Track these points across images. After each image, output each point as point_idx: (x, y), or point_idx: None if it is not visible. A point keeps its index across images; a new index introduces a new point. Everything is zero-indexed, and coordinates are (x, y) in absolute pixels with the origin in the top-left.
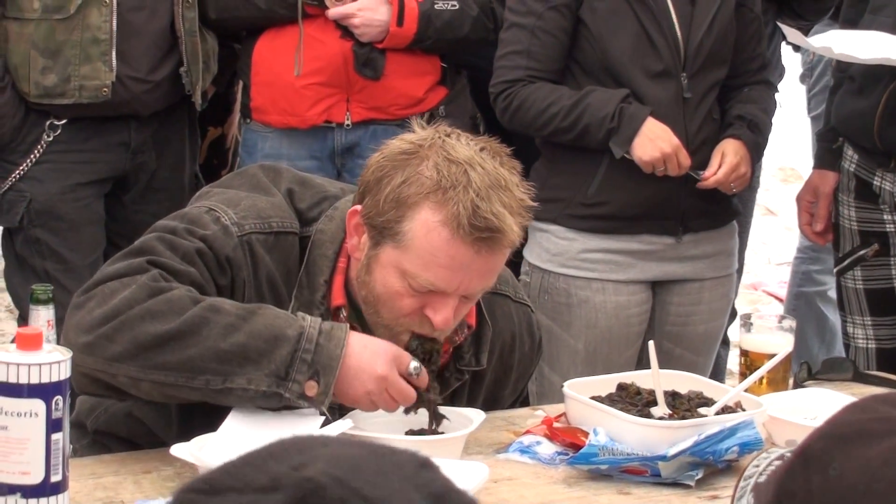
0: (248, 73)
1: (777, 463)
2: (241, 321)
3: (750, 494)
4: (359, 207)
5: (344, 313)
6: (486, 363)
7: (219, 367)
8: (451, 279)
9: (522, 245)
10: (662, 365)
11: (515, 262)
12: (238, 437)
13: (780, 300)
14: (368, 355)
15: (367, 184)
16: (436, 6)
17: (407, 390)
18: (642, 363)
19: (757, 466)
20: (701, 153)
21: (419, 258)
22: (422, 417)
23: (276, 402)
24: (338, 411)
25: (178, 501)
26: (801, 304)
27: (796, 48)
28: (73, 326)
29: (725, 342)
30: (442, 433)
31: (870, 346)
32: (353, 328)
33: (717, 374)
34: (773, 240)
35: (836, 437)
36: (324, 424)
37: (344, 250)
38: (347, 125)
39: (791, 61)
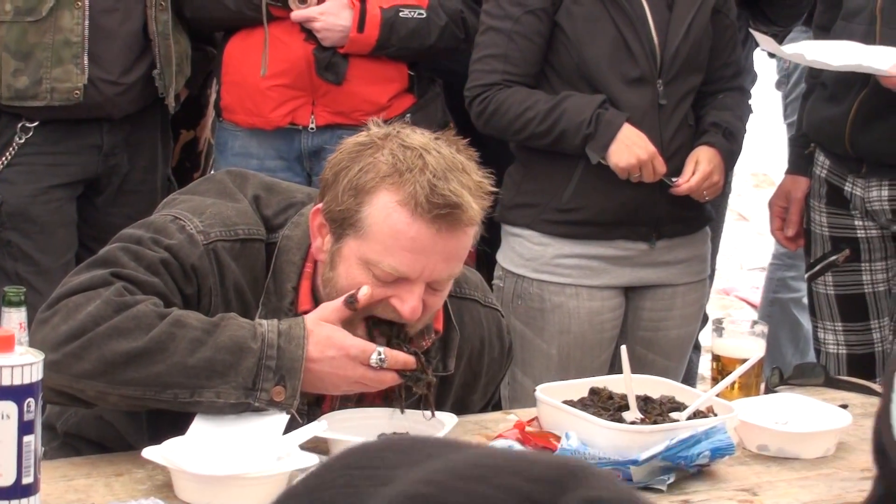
0: (220, 73)
1: None
2: (206, 335)
3: None
4: (320, 206)
5: None
6: (453, 368)
7: (186, 382)
8: (414, 263)
9: (493, 247)
10: (635, 370)
11: (488, 266)
12: (207, 438)
13: (753, 305)
14: (333, 352)
15: (325, 181)
16: (401, 14)
17: (382, 380)
18: (615, 368)
19: None
20: (675, 159)
21: (380, 243)
22: (397, 421)
23: (246, 409)
24: (306, 414)
25: None
26: (775, 310)
27: (771, 54)
28: (39, 343)
29: (697, 347)
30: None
31: (840, 351)
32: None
33: (689, 378)
34: (746, 245)
35: None
36: (291, 421)
37: (311, 256)
38: (312, 128)
39: (766, 68)
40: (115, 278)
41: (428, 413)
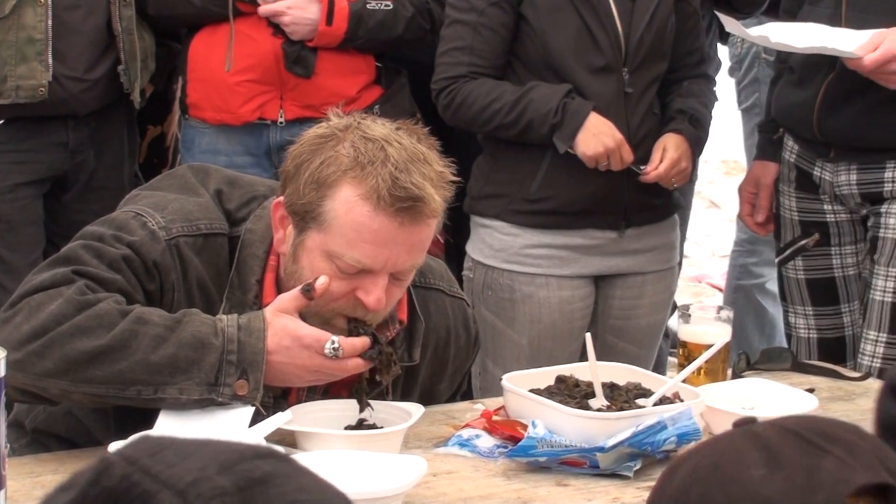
0: (185, 70)
1: None
2: (168, 332)
3: None
4: (281, 198)
5: None
6: (418, 358)
7: (150, 378)
8: (377, 255)
9: (460, 237)
10: (606, 359)
11: (458, 258)
12: (172, 432)
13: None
14: (288, 342)
15: (286, 173)
16: (368, 6)
17: (342, 368)
18: (585, 357)
19: None
20: (643, 147)
21: (343, 236)
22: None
23: (210, 405)
24: (272, 407)
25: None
26: (739, 297)
27: (724, 40)
28: (1, 342)
29: (666, 334)
30: (381, 428)
31: (811, 335)
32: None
33: (659, 365)
34: (717, 232)
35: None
36: (256, 414)
37: (274, 248)
38: (281, 122)
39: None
40: (77, 276)
41: (390, 405)
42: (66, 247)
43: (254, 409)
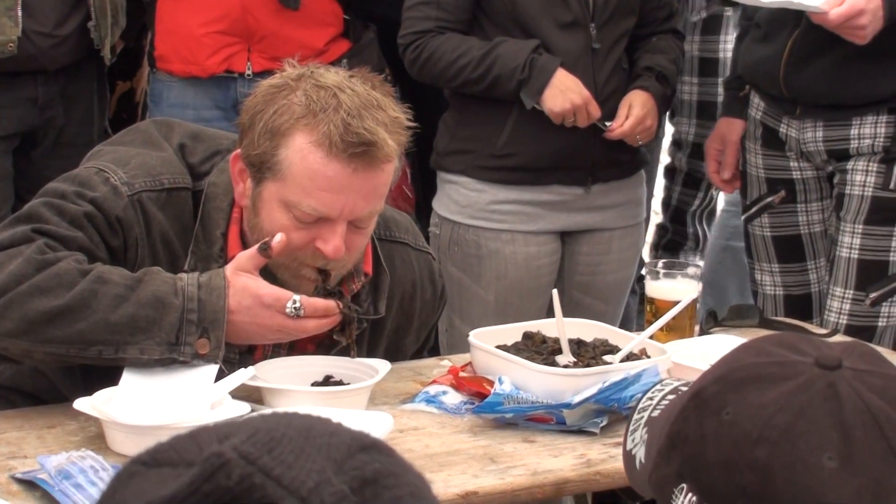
0: (153, 22)
1: (671, 397)
2: (128, 291)
3: (644, 429)
4: (238, 151)
5: None
6: (384, 310)
7: (110, 338)
8: (333, 202)
9: (427, 192)
10: (573, 315)
11: (426, 214)
12: (137, 388)
13: None
14: (249, 301)
15: (242, 125)
16: None
17: (303, 328)
18: (552, 313)
19: (651, 399)
20: (609, 103)
21: (298, 185)
22: (328, 369)
23: (172, 364)
24: (238, 363)
25: (124, 471)
26: (727, 257)
27: None
28: None
29: (634, 291)
30: (347, 384)
31: (778, 292)
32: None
33: (626, 322)
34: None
35: (730, 381)
36: (220, 373)
37: (237, 201)
38: (248, 75)
39: None
40: (36, 234)
41: (357, 361)
42: (27, 204)
43: (217, 366)
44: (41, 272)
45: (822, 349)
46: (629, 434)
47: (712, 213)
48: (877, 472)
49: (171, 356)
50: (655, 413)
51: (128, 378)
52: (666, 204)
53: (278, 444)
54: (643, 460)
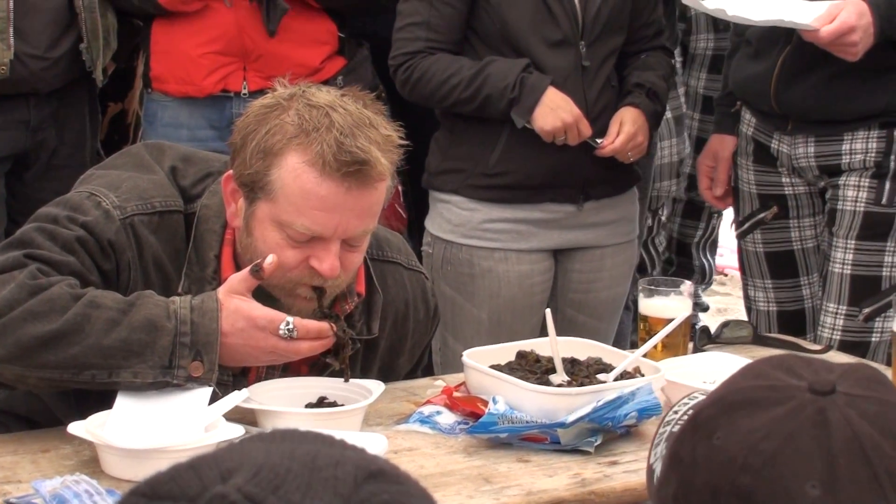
0: (148, 43)
1: (691, 413)
2: (121, 315)
3: (665, 444)
4: (230, 172)
5: None
6: (377, 331)
7: (103, 363)
8: (326, 221)
9: (419, 212)
10: (566, 332)
11: (418, 233)
12: (131, 412)
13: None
14: (242, 323)
15: (234, 146)
16: None
17: (296, 350)
18: (546, 331)
19: (675, 413)
20: (600, 121)
21: (291, 204)
22: (322, 390)
23: (165, 387)
24: (231, 385)
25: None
26: None
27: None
28: None
29: (628, 307)
30: (342, 405)
31: (771, 308)
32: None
33: (621, 339)
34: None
35: (724, 404)
36: (214, 395)
37: (230, 223)
38: (244, 94)
39: None
40: (29, 260)
41: (351, 382)
42: (19, 230)
43: (211, 388)
44: (34, 297)
45: (820, 373)
46: (653, 447)
47: (714, 242)
48: (860, 500)
49: (165, 379)
50: (676, 429)
51: (122, 401)
52: (668, 237)
53: (283, 482)
54: (659, 476)
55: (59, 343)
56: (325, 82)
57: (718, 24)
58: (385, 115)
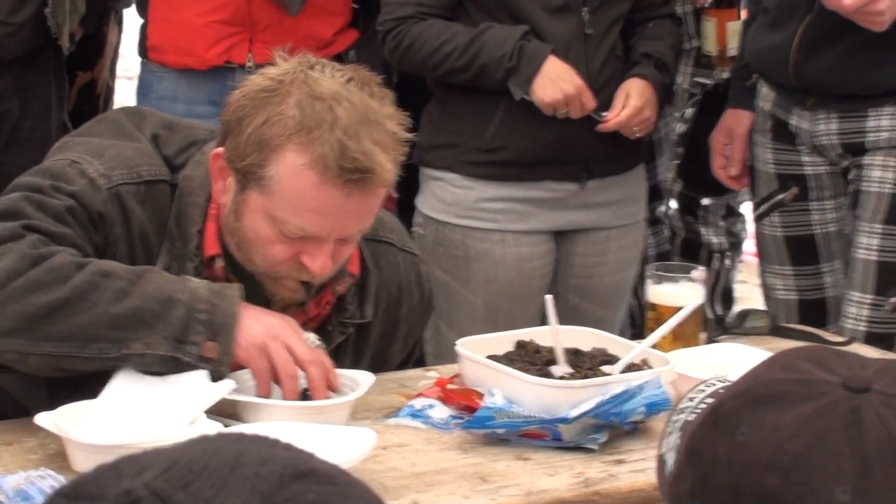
0: (146, 10)
1: (709, 401)
2: (131, 284)
3: (678, 433)
4: (221, 150)
5: (219, 263)
6: (371, 315)
7: (112, 334)
8: (323, 224)
9: (409, 190)
10: (569, 320)
11: (409, 213)
12: (117, 402)
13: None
14: (262, 314)
15: (227, 124)
16: None
17: (302, 345)
18: (546, 319)
19: (691, 401)
20: (604, 93)
21: (287, 203)
22: (306, 381)
23: (174, 367)
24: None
25: None
26: None
27: None
28: None
29: (635, 294)
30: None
31: (790, 297)
32: (228, 280)
33: (632, 327)
34: None
35: (749, 398)
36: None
37: (214, 197)
38: (249, 66)
39: None
40: (27, 231)
41: (339, 373)
42: (2, 199)
43: (206, 380)
44: (36, 266)
45: (855, 368)
46: (665, 437)
47: (729, 293)
48: None
49: (177, 355)
50: (692, 417)
51: (112, 389)
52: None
53: (197, 478)
54: (672, 468)
55: (67, 311)
56: (337, 57)
57: None
58: (392, 102)
